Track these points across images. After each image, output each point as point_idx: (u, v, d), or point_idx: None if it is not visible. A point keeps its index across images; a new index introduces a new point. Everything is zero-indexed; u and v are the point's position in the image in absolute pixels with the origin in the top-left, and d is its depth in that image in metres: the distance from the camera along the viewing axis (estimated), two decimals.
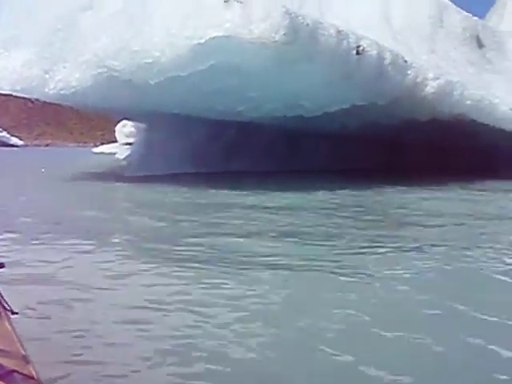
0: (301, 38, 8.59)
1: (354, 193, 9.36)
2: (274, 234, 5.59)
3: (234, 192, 8.87)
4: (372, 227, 6.27)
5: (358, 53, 9.63)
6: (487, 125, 12.12)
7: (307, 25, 8.84)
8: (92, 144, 52.09)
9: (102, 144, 40.63)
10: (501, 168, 12.50)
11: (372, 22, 12.26)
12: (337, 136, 12.27)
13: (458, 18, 13.95)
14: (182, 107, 10.13)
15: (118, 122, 29.80)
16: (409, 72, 10.57)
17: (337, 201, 8.37)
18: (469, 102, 11.61)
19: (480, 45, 14.03)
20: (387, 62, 10.10)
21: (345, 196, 8.97)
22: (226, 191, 8.96)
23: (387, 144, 12.86)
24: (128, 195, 9.31)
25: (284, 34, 8.29)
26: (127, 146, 22.20)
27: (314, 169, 11.61)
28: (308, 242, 5.25)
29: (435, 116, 11.46)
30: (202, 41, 8.00)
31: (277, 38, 8.27)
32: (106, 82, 9.24)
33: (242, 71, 8.68)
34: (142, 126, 13.52)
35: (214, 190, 9.01)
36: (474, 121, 11.81)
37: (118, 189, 10.02)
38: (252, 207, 7.52)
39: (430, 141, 12.84)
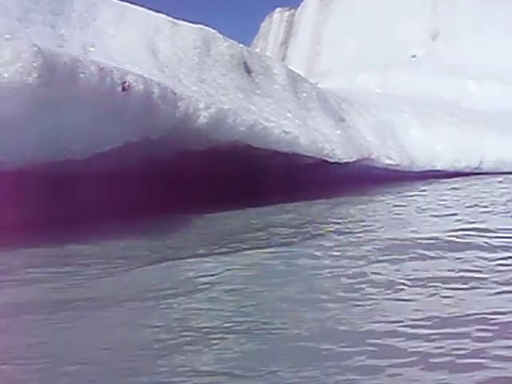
0: (58, 78, 8.02)
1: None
2: None
3: None
4: None
5: (123, 89, 9.28)
6: (263, 149, 12.37)
7: (64, 64, 8.29)
8: None
9: None
10: (277, 190, 12.90)
11: (138, 55, 11.97)
12: (116, 176, 11.76)
13: (225, 45, 14.12)
14: None
15: None
16: (179, 104, 10.40)
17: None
18: (243, 128, 11.74)
19: (248, 70, 14.32)
20: (156, 95, 9.83)
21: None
22: None
23: (166, 178, 12.58)
24: None
25: (38, 76, 7.67)
26: None
27: (91, 213, 10.98)
28: None
29: (211, 145, 11.44)
30: None
31: (30, 81, 7.63)
32: None
33: None
34: None
35: None
36: (249, 146, 11.97)
37: None
38: None
39: (209, 171, 12.78)
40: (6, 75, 7.48)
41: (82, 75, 8.45)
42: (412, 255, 6.05)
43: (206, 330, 4.14)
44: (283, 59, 35.82)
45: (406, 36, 32.82)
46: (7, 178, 9.92)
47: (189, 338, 3.99)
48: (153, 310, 4.70)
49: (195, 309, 4.68)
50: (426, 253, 6.10)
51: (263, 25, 43.16)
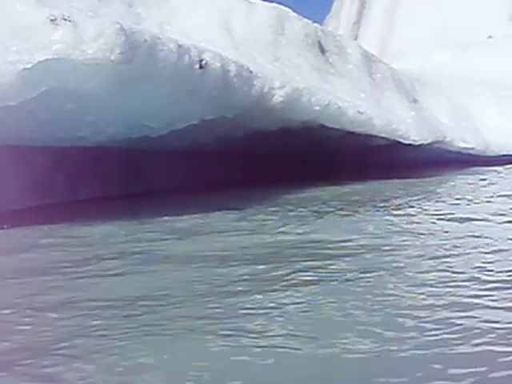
0: (139, 55, 8.11)
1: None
2: None
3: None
4: None
5: (201, 67, 9.34)
6: (336, 129, 12.29)
7: (145, 41, 8.39)
8: None
9: None
10: (349, 170, 12.82)
11: (213, 33, 12.03)
12: (189, 153, 11.94)
13: (299, 24, 14.02)
14: (16, 138, 9.27)
15: None
16: (255, 82, 10.40)
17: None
18: (317, 108, 11.66)
19: (322, 50, 14.20)
20: (232, 74, 9.86)
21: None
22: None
23: (240, 156, 12.68)
24: None
25: (120, 53, 7.77)
26: None
27: (166, 188, 11.17)
28: None
29: (284, 124, 11.43)
30: (29, 66, 7.31)
31: (113, 58, 7.74)
32: None
33: (77, 95, 8.06)
34: None
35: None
36: (322, 126, 11.91)
37: None
38: None
39: (280, 150, 12.82)
40: (89, 52, 7.61)
41: (161, 52, 8.54)
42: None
43: None
44: (355, 39, 35.37)
45: (482, 17, 31.88)
46: (87, 153, 10.24)
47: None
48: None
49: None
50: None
51: (335, 4, 42.63)
